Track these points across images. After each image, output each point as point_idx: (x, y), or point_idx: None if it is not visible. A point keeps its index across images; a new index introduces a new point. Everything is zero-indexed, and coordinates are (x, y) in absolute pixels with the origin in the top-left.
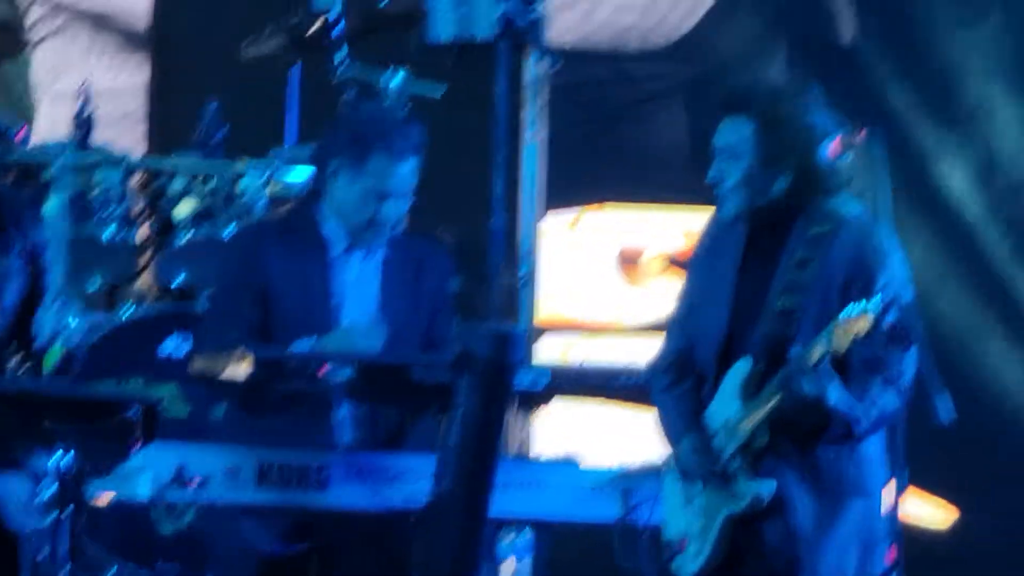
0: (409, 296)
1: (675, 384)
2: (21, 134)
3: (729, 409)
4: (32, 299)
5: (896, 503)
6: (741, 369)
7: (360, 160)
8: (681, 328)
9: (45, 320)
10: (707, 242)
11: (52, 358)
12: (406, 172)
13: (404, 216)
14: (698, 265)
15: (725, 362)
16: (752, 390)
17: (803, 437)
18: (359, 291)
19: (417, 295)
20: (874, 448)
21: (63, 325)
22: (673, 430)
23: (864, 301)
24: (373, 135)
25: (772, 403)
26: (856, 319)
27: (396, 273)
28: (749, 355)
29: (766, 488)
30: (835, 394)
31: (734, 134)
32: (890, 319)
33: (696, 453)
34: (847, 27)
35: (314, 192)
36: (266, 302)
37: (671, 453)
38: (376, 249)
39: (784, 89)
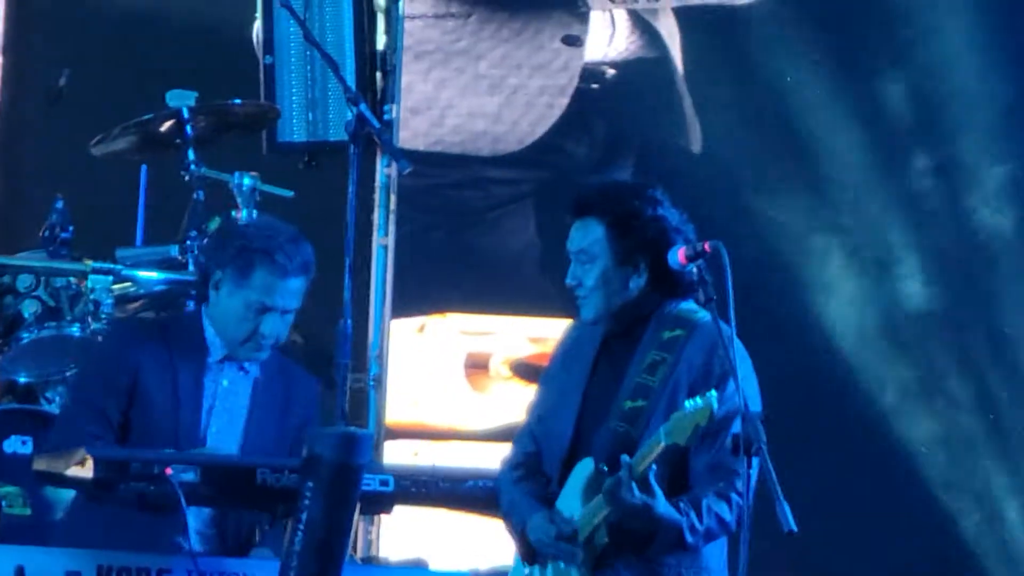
0: (276, 420)
1: (523, 479)
2: None
3: (571, 509)
4: None
5: None
6: (584, 469)
7: (244, 273)
8: (531, 433)
9: None
10: (562, 349)
11: None
12: (291, 289)
13: (285, 334)
14: (553, 372)
15: (570, 464)
16: (592, 491)
17: (640, 542)
18: (230, 401)
19: (284, 419)
20: (716, 558)
21: None
22: (522, 513)
23: (701, 396)
24: (258, 252)
25: (603, 511)
26: (694, 411)
27: (265, 395)
28: (591, 456)
29: None
30: (661, 504)
31: (586, 237)
32: (735, 430)
33: (549, 522)
34: (695, 136)
35: (200, 296)
36: (131, 399)
37: (519, 539)
38: (251, 366)
39: (631, 187)
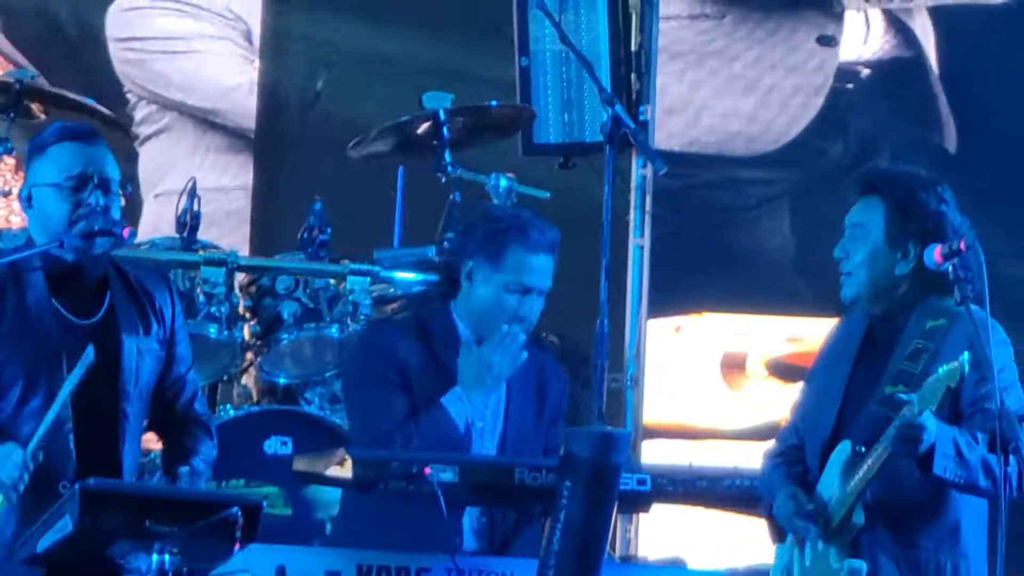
0: (532, 406)
1: (783, 465)
2: (126, 231)
3: (830, 491)
4: (163, 380)
5: None
6: (842, 452)
7: (497, 256)
8: (795, 429)
9: None
10: (828, 346)
11: None
12: (545, 267)
13: (535, 317)
14: (818, 368)
15: (831, 451)
16: (849, 473)
17: (901, 517)
18: (489, 397)
19: (539, 405)
20: (974, 545)
21: None
22: (773, 492)
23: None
24: (510, 230)
25: (879, 456)
26: (947, 373)
27: (521, 382)
28: (849, 439)
29: (859, 566)
30: (932, 420)
31: (865, 213)
32: (1008, 404)
33: (789, 499)
34: (950, 135)
35: (447, 293)
36: (409, 393)
37: (768, 518)
38: None
39: (922, 178)
